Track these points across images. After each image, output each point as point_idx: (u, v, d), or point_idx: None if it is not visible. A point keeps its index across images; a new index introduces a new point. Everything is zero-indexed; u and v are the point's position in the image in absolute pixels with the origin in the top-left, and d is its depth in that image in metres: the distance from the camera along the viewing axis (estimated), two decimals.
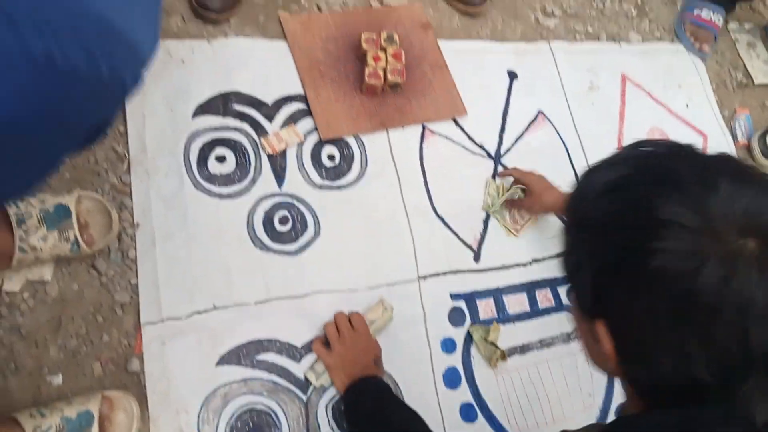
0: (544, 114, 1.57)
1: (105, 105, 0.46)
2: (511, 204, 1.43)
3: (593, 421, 1.29)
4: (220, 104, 1.33)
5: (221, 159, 1.29)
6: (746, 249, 0.55)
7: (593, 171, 0.68)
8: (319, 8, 1.52)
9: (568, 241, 0.70)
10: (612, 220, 0.63)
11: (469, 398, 1.25)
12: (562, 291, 1.39)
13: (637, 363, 0.63)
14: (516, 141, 1.52)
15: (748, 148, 1.73)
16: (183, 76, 1.33)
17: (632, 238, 0.59)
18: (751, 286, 0.55)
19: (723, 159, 0.63)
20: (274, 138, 1.32)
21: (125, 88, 0.42)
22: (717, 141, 1.71)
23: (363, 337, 1.19)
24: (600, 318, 0.64)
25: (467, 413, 1.23)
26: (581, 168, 1.53)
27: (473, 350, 1.29)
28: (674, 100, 1.72)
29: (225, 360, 1.16)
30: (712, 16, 1.81)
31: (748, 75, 1.84)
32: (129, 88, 0.43)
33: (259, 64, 1.39)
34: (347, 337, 1.18)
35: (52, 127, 0.44)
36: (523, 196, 1.39)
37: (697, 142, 1.64)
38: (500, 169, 1.47)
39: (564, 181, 1.50)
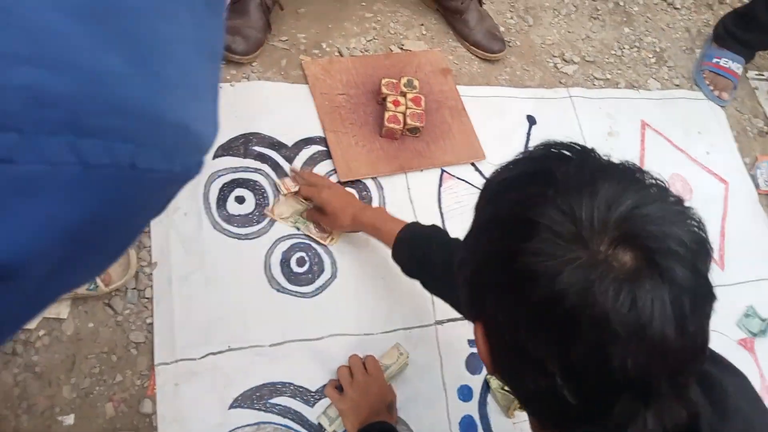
0: None
1: (170, 196, 0.47)
2: (313, 217, 1.31)
3: None
4: (240, 145, 1.34)
5: (240, 199, 1.30)
6: (614, 259, 0.51)
7: (496, 170, 0.65)
8: (340, 53, 1.55)
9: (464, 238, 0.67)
10: (493, 218, 0.61)
11: None
12: None
13: (507, 374, 0.62)
14: None
15: None
16: None
17: (505, 238, 0.57)
18: (609, 300, 0.49)
19: (620, 167, 0.59)
20: (290, 181, 1.33)
21: (190, 177, 0.42)
22: (739, 188, 1.69)
23: (377, 381, 1.17)
24: (478, 320, 0.62)
25: None
26: None
27: (490, 399, 1.26)
28: (695, 146, 1.71)
29: (238, 403, 1.14)
30: (731, 64, 1.81)
31: None
32: (193, 176, 0.43)
33: (280, 107, 1.41)
34: (360, 381, 1.16)
35: (124, 229, 0.45)
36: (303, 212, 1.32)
37: (719, 189, 1.64)
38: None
39: None
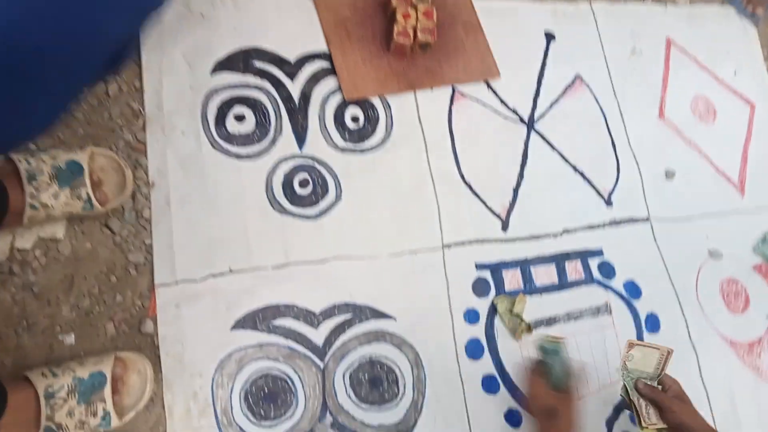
0: (581, 79, 1.49)
1: (124, 17, 0.46)
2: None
3: (618, 396, 1.22)
4: (240, 61, 1.28)
5: (240, 118, 1.24)
6: None
7: None
8: None
9: None
10: None
11: (492, 370, 1.20)
12: (593, 263, 1.33)
13: None
14: (551, 106, 1.44)
15: None
16: (202, 31, 1.28)
17: None
18: None
19: None
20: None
21: None
22: (765, 111, 1.60)
23: None
24: None
25: (489, 385, 1.19)
26: (619, 135, 1.45)
27: (497, 322, 1.24)
28: (721, 67, 1.61)
29: (241, 324, 1.12)
30: None
31: None
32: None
33: (282, 21, 1.33)
34: None
35: (67, 44, 0.43)
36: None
37: (744, 112, 1.56)
38: (534, 135, 1.39)
39: (601, 147, 1.43)
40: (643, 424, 1.07)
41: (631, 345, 1.13)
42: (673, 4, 1.67)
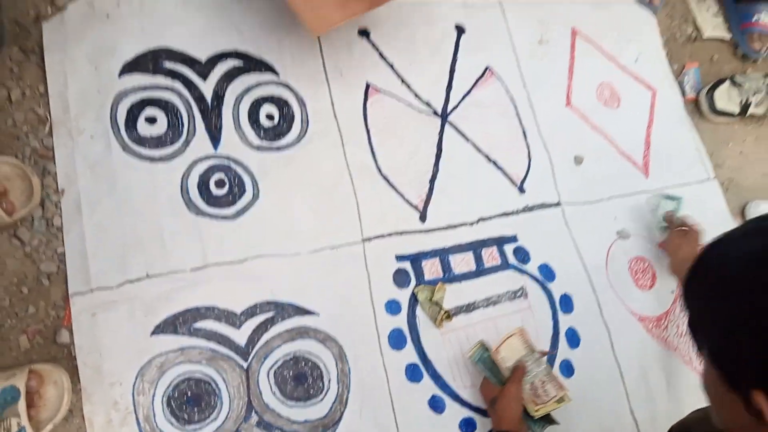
0: (492, 70, 1.53)
1: None
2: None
3: None
4: (149, 62, 1.26)
5: (152, 120, 1.22)
6: None
7: (724, 243, 0.69)
8: None
9: (701, 314, 0.70)
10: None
11: (415, 359, 1.23)
12: (509, 249, 1.38)
13: None
14: (463, 98, 1.48)
15: (696, 103, 1.73)
16: (108, 32, 1.25)
17: None
18: None
19: None
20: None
21: None
22: (666, 95, 1.69)
23: None
24: (757, 388, 0.62)
25: (413, 373, 1.22)
26: (529, 123, 1.50)
27: (419, 311, 1.27)
28: (624, 54, 1.69)
29: (160, 329, 1.12)
30: None
31: (697, 29, 1.82)
32: None
33: (191, 20, 1.32)
34: None
35: None
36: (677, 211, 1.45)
37: (646, 97, 1.64)
38: (448, 127, 1.43)
39: (512, 136, 1.48)
40: (535, 408, 1.15)
41: (496, 350, 1.20)
42: None
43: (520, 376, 1.15)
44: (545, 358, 1.21)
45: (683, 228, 1.40)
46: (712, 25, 1.84)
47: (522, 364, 1.17)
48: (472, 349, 1.21)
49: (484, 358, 1.21)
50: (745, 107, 1.69)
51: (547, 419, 1.19)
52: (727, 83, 1.71)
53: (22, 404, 0.98)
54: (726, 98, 1.69)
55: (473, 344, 1.22)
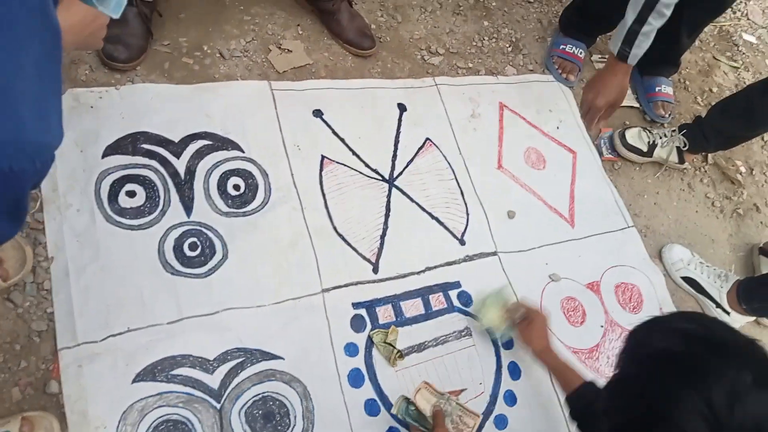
0: (431, 141, 1.76)
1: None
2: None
3: (484, 406, 1.43)
4: (129, 144, 1.44)
5: (131, 194, 1.39)
6: None
7: (648, 331, 0.84)
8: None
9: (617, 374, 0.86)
10: (637, 385, 0.79)
11: (373, 395, 1.37)
12: (453, 294, 1.55)
13: None
14: (407, 165, 1.69)
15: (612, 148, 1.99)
16: (92, 120, 1.44)
17: (646, 410, 0.75)
18: None
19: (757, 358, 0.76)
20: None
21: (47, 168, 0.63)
22: (585, 156, 1.94)
23: None
24: None
25: (371, 408, 1.36)
26: (466, 184, 1.71)
27: (374, 352, 1.42)
28: (546, 123, 1.95)
29: (141, 377, 1.24)
30: (575, 50, 2.06)
31: None
32: (19, 179, 0.64)
33: (165, 107, 1.52)
34: None
35: None
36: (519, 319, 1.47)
37: (568, 158, 1.88)
38: (395, 190, 1.63)
39: (452, 196, 1.68)
40: None
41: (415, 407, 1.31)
42: (504, 74, 2.01)
43: (441, 421, 1.28)
44: (455, 397, 1.33)
45: (527, 319, 1.45)
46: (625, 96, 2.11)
47: (438, 410, 1.30)
48: (396, 405, 1.32)
49: (410, 412, 1.32)
50: (652, 147, 1.94)
51: None
52: (638, 128, 1.98)
53: None
54: (637, 137, 1.96)
55: (395, 401, 1.33)
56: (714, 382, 0.71)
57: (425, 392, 1.32)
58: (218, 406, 1.26)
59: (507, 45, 2.10)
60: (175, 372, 1.26)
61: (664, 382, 0.75)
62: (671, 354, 0.78)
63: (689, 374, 0.74)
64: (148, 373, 1.25)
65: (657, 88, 2.12)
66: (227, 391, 1.28)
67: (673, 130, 1.99)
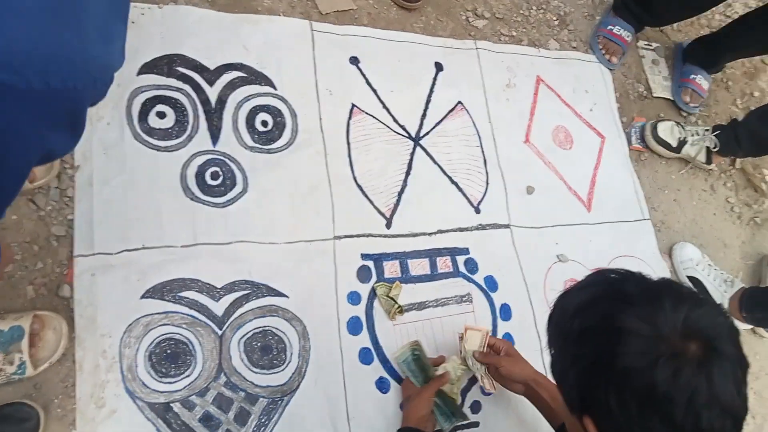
0: (463, 105, 1.75)
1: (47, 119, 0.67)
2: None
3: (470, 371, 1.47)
4: (165, 65, 1.45)
5: (161, 115, 1.41)
6: (688, 350, 0.73)
7: (568, 294, 0.87)
8: None
9: (553, 352, 0.88)
10: (586, 331, 0.81)
11: (368, 344, 1.41)
12: (461, 259, 1.58)
13: None
14: (435, 126, 1.69)
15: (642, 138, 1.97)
16: (132, 36, 1.41)
17: (602, 344, 0.78)
18: (694, 379, 0.71)
19: (665, 283, 0.82)
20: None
21: (74, 96, 0.66)
22: (614, 143, 1.92)
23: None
24: (586, 413, 0.81)
25: (365, 356, 1.40)
26: (490, 154, 1.72)
27: (376, 304, 1.45)
28: (581, 103, 1.92)
29: (149, 294, 1.28)
30: (623, 32, 2.02)
31: (648, 88, 2.07)
32: (80, 96, 0.65)
33: (204, 33, 1.51)
34: None
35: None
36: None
37: (596, 142, 1.86)
38: (419, 150, 1.64)
39: (474, 163, 1.68)
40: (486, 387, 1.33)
41: (465, 329, 1.39)
42: (546, 48, 1.97)
43: (438, 383, 1.32)
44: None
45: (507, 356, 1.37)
46: (662, 87, 2.08)
47: (446, 374, 1.34)
48: (401, 349, 1.36)
49: (409, 361, 1.37)
50: (681, 143, 1.93)
51: (458, 415, 1.37)
52: (672, 122, 1.95)
53: (25, 342, 1.14)
54: (668, 131, 1.93)
55: (403, 345, 1.38)
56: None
57: (478, 337, 1.37)
58: (220, 332, 1.31)
59: (554, 18, 2.06)
60: (183, 294, 1.31)
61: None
62: (594, 328, 0.81)
63: (619, 300, 0.80)
64: (157, 291, 1.29)
65: (692, 76, 2.08)
66: (230, 320, 1.32)
67: (707, 130, 1.96)
